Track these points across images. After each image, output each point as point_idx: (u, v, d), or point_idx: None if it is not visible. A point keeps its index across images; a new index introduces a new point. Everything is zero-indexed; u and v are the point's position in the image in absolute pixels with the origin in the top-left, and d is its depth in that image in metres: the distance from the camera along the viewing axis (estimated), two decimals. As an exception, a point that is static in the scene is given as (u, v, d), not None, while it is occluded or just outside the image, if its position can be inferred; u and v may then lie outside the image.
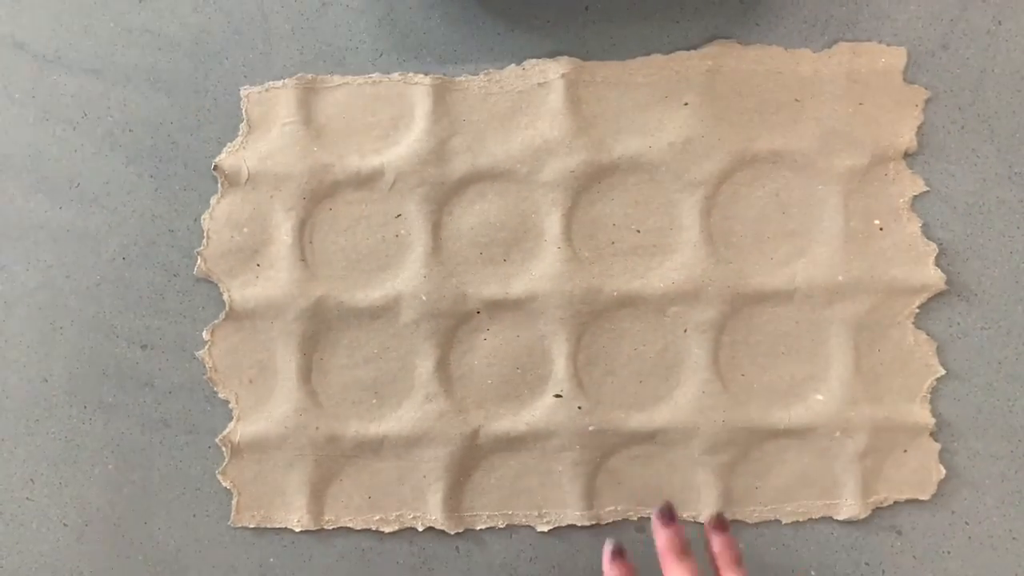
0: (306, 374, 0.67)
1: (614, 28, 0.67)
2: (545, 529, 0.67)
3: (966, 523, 0.67)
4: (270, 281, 0.67)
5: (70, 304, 0.67)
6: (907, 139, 0.66)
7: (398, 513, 0.67)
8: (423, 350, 0.67)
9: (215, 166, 0.67)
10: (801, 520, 0.67)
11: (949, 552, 0.67)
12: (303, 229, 0.67)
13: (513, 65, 0.67)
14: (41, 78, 0.68)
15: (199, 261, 0.66)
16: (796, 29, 0.67)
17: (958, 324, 0.66)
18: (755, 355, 0.67)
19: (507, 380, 0.67)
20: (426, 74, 0.67)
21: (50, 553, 0.68)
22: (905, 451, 0.66)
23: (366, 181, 0.67)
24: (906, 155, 0.66)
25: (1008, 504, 0.66)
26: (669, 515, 0.55)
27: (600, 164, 0.66)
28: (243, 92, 0.67)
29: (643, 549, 0.67)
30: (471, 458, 0.67)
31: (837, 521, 0.67)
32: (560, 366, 0.66)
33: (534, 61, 0.66)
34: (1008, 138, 0.66)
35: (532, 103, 0.66)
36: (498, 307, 0.66)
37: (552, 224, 0.66)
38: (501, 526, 0.67)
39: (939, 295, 0.66)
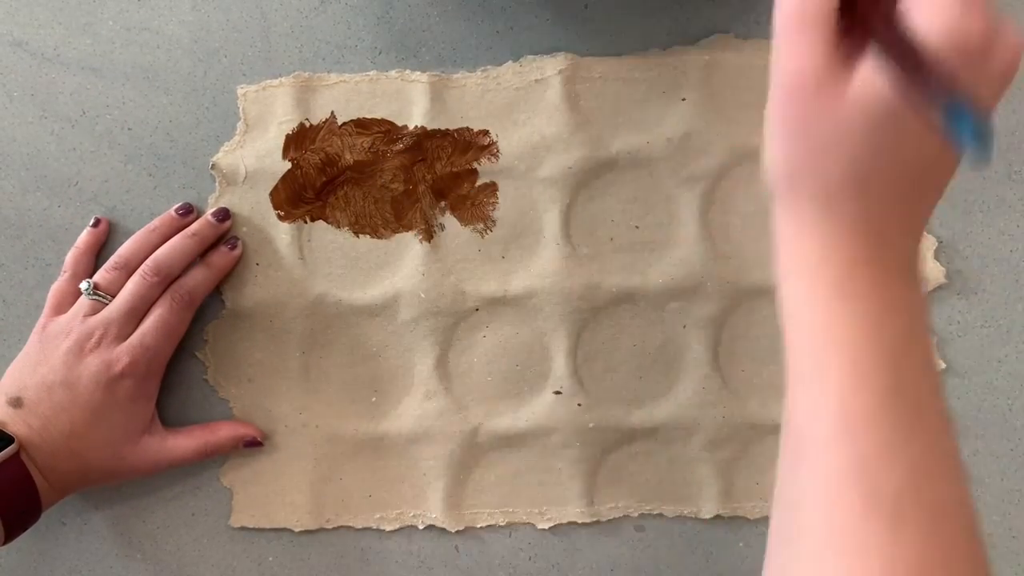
0: (305, 373, 0.67)
1: (613, 25, 0.67)
2: (546, 526, 0.67)
3: (967, 521, 0.66)
4: (269, 280, 0.67)
5: (69, 303, 0.67)
6: (906, 134, 0.66)
7: (398, 511, 0.67)
8: (422, 348, 0.67)
9: (212, 165, 0.67)
10: (802, 516, 0.67)
11: (950, 550, 0.66)
12: (301, 227, 0.67)
13: (510, 62, 0.67)
14: (39, 76, 0.68)
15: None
16: (795, 26, 0.67)
17: (958, 322, 0.66)
18: (755, 350, 0.67)
19: (507, 377, 0.67)
20: (424, 72, 0.67)
21: (50, 553, 0.68)
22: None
23: (364, 179, 0.67)
24: (905, 150, 0.66)
25: (1008, 502, 0.66)
26: None
27: (598, 160, 0.66)
28: (240, 90, 0.67)
29: (643, 549, 0.67)
30: (471, 456, 0.67)
31: (837, 518, 0.67)
32: (559, 363, 0.66)
33: (531, 57, 0.66)
34: (1008, 136, 0.66)
35: (529, 100, 0.66)
36: (497, 304, 0.66)
37: (550, 221, 0.66)
38: (502, 524, 0.67)
39: (939, 293, 0.66)
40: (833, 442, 0.39)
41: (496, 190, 0.66)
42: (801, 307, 0.42)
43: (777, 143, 0.43)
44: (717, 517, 0.67)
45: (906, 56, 0.37)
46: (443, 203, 0.67)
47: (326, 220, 0.67)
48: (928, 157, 0.40)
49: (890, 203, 0.41)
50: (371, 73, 0.67)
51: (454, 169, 0.66)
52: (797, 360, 0.42)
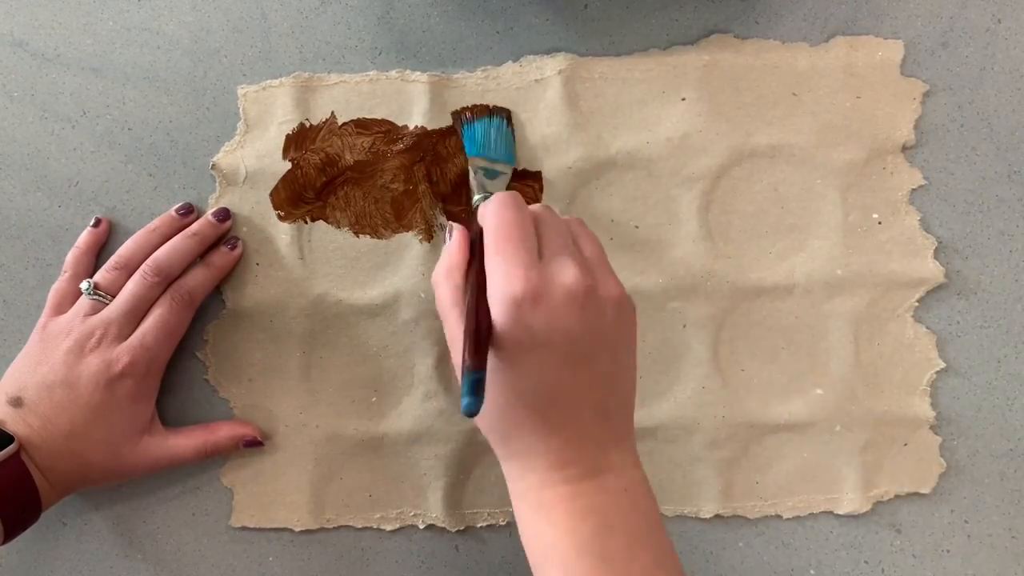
0: (306, 372, 0.67)
1: (613, 25, 0.67)
2: (545, 526, 0.67)
3: (965, 521, 0.66)
4: (269, 280, 0.67)
5: (69, 303, 0.67)
6: (905, 132, 0.66)
7: (399, 511, 0.67)
8: (422, 347, 0.67)
9: (213, 165, 0.67)
10: (802, 514, 0.66)
11: (949, 551, 0.66)
12: (301, 227, 0.67)
13: (510, 62, 0.67)
14: (40, 76, 0.68)
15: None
16: (795, 27, 0.67)
17: (958, 322, 0.66)
18: (754, 350, 0.67)
19: (506, 377, 0.67)
20: (424, 72, 0.67)
21: (50, 553, 0.68)
22: (905, 444, 0.66)
23: (364, 179, 0.67)
24: (904, 148, 0.66)
25: (1008, 503, 0.66)
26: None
27: (598, 160, 0.66)
28: (240, 91, 0.67)
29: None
30: (471, 455, 0.67)
31: (836, 519, 0.67)
32: (560, 363, 0.66)
33: (531, 57, 0.67)
34: (1008, 136, 0.66)
35: (529, 100, 0.66)
36: (497, 304, 0.66)
37: (550, 220, 0.66)
38: (502, 523, 0.67)
39: (938, 293, 0.66)
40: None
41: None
42: (521, 526, 0.52)
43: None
44: (717, 517, 0.67)
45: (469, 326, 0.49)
46: (442, 204, 0.67)
47: (326, 220, 0.67)
48: (549, 390, 0.50)
49: (542, 430, 0.51)
50: (371, 73, 0.67)
51: (456, 169, 0.66)
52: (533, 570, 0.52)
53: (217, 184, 0.67)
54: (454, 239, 0.55)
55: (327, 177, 0.66)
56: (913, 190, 0.66)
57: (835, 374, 0.66)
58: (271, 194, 0.67)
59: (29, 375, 0.61)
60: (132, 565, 0.68)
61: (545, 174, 0.66)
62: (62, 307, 0.64)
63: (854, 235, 0.66)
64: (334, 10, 0.67)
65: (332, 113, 0.67)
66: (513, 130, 0.66)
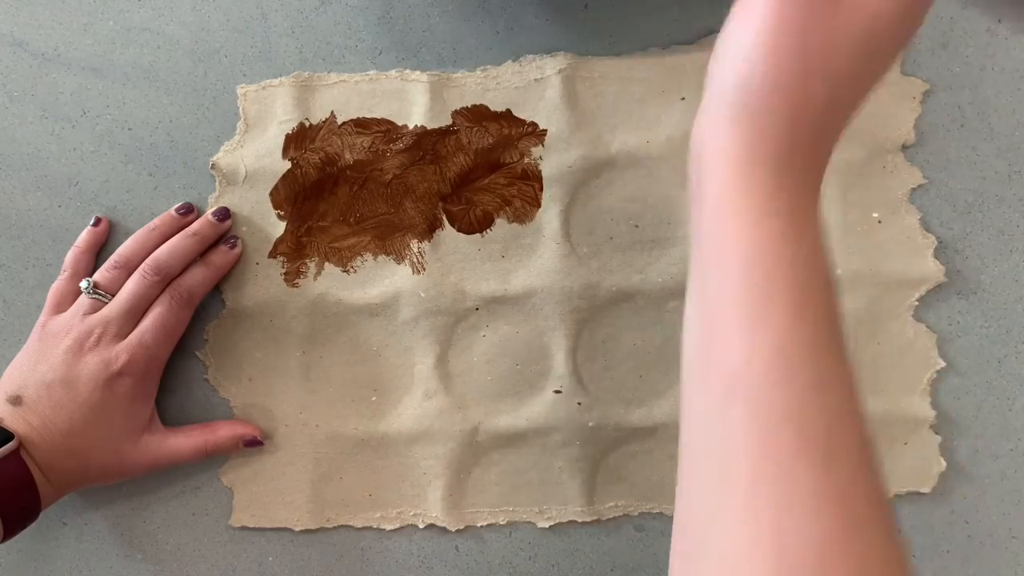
0: (306, 372, 0.67)
1: (613, 25, 0.67)
2: (546, 526, 0.66)
3: (966, 522, 0.66)
4: (269, 279, 0.67)
5: (69, 302, 0.67)
6: (905, 131, 0.66)
7: (399, 510, 0.67)
8: (422, 347, 0.67)
9: (212, 164, 0.67)
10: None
11: (948, 551, 0.66)
12: (300, 226, 0.67)
13: (510, 61, 0.67)
14: (40, 76, 0.68)
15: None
16: (794, 26, 0.67)
17: (958, 322, 0.66)
18: (754, 349, 0.67)
19: (506, 376, 0.67)
20: (424, 71, 0.67)
21: (50, 553, 0.68)
22: (905, 444, 0.66)
23: (364, 178, 0.67)
24: (904, 148, 0.66)
25: (1008, 503, 0.66)
26: None
27: (598, 159, 0.66)
28: (239, 90, 0.67)
29: (643, 549, 0.67)
30: (471, 455, 0.67)
31: (838, 518, 0.66)
32: (559, 362, 0.66)
33: (531, 57, 0.67)
34: (1008, 137, 0.66)
35: (529, 99, 0.66)
36: (497, 303, 0.66)
37: (550, 220, 0.66)
38: (502, 523, 0.67)
39: (938, 292, 0.66)
40: (771, 382, 0.38)
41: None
42: (741, 228, 0.41)
43: (782, 39, 0.41)
44: (717, 516, 0.67)
45: None
46: (442, 204, 0.67)
47: (326, 220, 0.67)
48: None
49: (837, 116, 0.42)
50: (371, 73, 0.67)
51: (456, 168, 0.66)
52: (737, 293, 0.40)
53: (217, 184, 0.67)
54: None
55: (326, 176, 0.66)
56: (913, 189, 0.66)
57: (835, 373, 0.66)
58: (271, 193, 0.67)
59: (29, 373, 0.61)
60: (132, 565, 0.68)
61: (545, 173, 0.66)
62: (62, 306, 0.64)
63: (854, 234, 0.66)
64: (334, 10, 0.67)
65: (332, 112, 0.67)
66: None
